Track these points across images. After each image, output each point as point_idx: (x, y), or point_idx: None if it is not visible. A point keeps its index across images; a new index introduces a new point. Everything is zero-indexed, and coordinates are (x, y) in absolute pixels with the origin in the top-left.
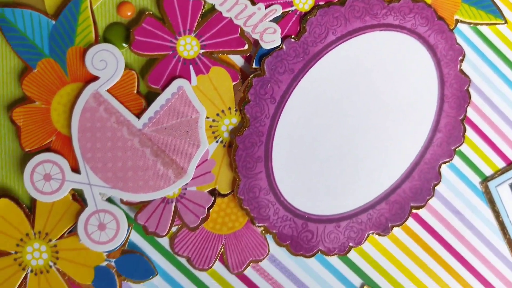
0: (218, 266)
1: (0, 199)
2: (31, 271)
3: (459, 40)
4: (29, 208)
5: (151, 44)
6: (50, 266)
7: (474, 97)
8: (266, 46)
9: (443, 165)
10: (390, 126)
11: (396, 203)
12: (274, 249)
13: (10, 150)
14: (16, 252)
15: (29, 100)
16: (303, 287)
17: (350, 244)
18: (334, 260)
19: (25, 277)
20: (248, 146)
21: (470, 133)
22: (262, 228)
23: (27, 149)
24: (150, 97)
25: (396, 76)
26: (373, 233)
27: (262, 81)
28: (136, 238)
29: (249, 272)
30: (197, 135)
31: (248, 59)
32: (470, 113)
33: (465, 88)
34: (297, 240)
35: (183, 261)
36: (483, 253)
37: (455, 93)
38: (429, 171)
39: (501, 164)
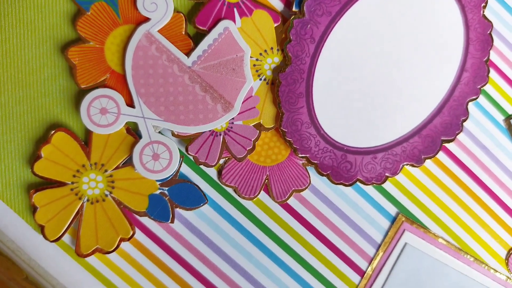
0: (263, 196)
1: (56, 133)
2: (87, 200)
3: None
4: (85, 142)
5: None
6: (106, 195)
7: (496, 41)
8: None
9: (470, 103)
10: (420, 66)
11: (428, 136)
12: (315, 180)
13: (64, 88)
14: (72, 183)
15: (83, 41)
16: (342, 215)
17: (386, 174)
18: (370, 190)
19: (82, 206)
20: (290, 83)
21: (493, 74)
22: (304, 160)
23: (83, 86)
24: (197, 39)
25: (425, 21)
26: (407, 165)
27: (302, 22)
28: (186, 170)
29: (292, 201)
30: (243, 72)
31: (287, 4)
32: (493, 56)
33: (488, 32)
34: (337, 170)
35: (230, 191)
36: (509, 186)
37: (479, 36)
38: (457, 107)
39: None
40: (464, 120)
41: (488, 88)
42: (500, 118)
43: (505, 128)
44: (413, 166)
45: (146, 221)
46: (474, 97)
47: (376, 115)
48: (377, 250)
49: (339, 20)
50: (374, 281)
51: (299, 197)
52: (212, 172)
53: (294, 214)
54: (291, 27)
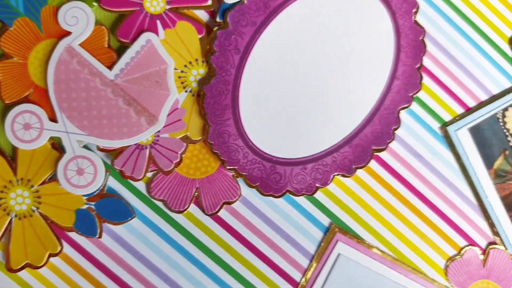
0: (193, 209)
1: None
2: (15, 215)
3: None
4: (12, 157)
5: (119, 1)
6: (33, 211)
7: (430, 47)
8: (228, 0)
9: (402, 111)
10: (350, 74)
11: (358, 146)
12: (246, 191)
13: None
14: (0, 198)
15: (7, 56)
16: (274, 227)
17: (317, 184)
18: (303, 201)
19: (10, 222)
20: (215, 94)
21: (428, 81)
22: (233, 172)
23: (7, 101)
24: (122, 51)
25: (354, 28)
26: (338, 175)
27: (226, 33)
28: (115, 184)
29: (223, 213)
30: (167, 85)
31: (212, 14)
32: (428, 62)
33: (420, 38)
34: (267, 182)
35: (160, 204)
36: (445, 194)
37: (410, 43)
38: (388, 116)
39: (460, 110)
40: (396, 129)
41: (423, 95)
42: (436, 125)
43: (441, 136)
44: (344, 176)
45: (75, 235)
46: (406, 105)
47: (306, 125)
48: (311, 261)
49: (264, 30)
50: None
51: (230, 209)
52: (141, 186)
53: (226, 226)
54: (214, 38)
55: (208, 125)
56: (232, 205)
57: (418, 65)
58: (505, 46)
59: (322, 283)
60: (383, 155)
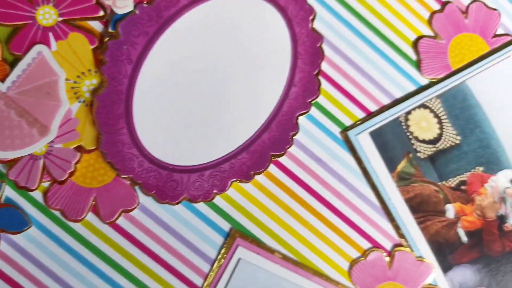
0: (91, 217)
1: None
2: None
3: (311, 1)
4: None
5: (12, 15)
6: None
7: (330, 53)
8: (119, 11)
9: (301, 117)
10: (247, 82)
11: (256, 152)
12: (145, 199)
13: None
14: None
15: None
16: (174, 233)
17: (215, 191)
18: (202, 207)
19: None
20: (108, 104)
21: (328, 87)
22: (129, 180)
23: None
24: (15, 64)
25: (250, 36)
26: (236, 181)
27: (118, 43)
28: (13, 194)
29: (122, 221)
30: (58, 96)
31: (107, 24)
32: (328, 68)
33: (318, 45)
34: (163, 189)
35: (58, 213)
36: (348, 198)
37: (308, 50)
38: (286, 122)
39: (361, 114)
40: (294, 135)
41: (323, 101)
42: (336, 130)
43: (342, 140)
44: (242, 182)
45: None
46: (304, 111)
47: (203, 132)
48: (212, 266)
49: (157, 40)
50: None
51: (129, 217)
52: (38, 195)
53: (125, 234)
54: (106, 48)
55: (101, 134)
56: (131, 213)
57: (316, 72)
58: (409, 50)
59: (223, 287)
60: (283, 160)
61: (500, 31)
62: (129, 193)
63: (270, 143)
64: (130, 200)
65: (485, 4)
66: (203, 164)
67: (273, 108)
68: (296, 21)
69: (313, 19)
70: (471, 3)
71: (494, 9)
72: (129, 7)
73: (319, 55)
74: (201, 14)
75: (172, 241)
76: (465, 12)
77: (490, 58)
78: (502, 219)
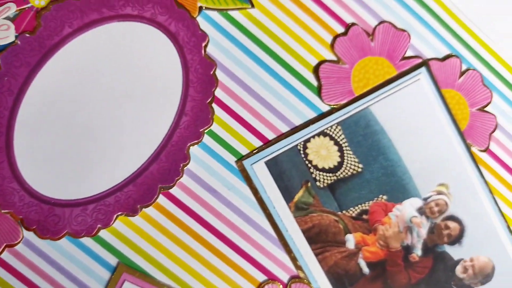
0: None
1: None
2: None
3: (207, 26)
4: None
5: None
6: None
7: (226, 80)
8: (0, 42)
9: (194, 147)
10: (135, 112)
11: (144, 184)
12: (30, 233)
13: None
14: None
15: None
16: (60, 268)
17: (99, 225)
18: (88, 241)
19: None
20: None
21: (223, 115)
22: (9, 215)
23: None
24: None
25: (138, 64)
26: (121, 214)
27: None
28: None
29: (6, 256)
30: None
31: None
32: (223, 96)
33: (211, 72)
34: (44, 224)
35: None
36: (243, 229)
37: (200, 77)
38: (177, 152)
39: (257, 143)
40: (185, 165)
41: (218, 129)
42: (232, 159)
43: (237, 170)
44: (128, 215)
45: None
46: (196, 141)
47: (87, 165)
48: None
49: (40, 69)
50: None
51: (14, 252)
52: None
53: (9, 269)
54: None
55: None
56: (15, 247)
57: (209, 100)
58: (309, 75)
59: None
60: (174, 191)
61: (409, 53)
62: (12, 227)
63: (158, 174)
64: (13, 234)
65: (393, 25)
66: (87, 197)
67: (163, 139)
68: (187, 47)
69: (206, 45)
70: (378, 24)
71: (403, 30)
72: (11, 38)
73: (212, 82)
74: (87, 42)
75: (57, 277)
76: (372, 34)
77: (397, 82)
78: (407, 249)
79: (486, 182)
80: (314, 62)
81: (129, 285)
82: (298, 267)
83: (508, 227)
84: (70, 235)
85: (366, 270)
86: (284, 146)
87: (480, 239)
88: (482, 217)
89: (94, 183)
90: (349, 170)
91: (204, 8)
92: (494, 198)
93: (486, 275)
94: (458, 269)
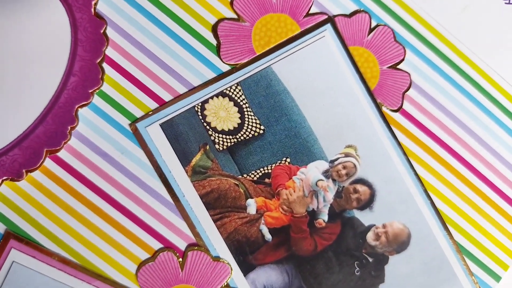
0: None
1: None
2: None
3: None
4: None
5: None
6: None
7: (119, 39)
8: None
9: (84, 108)
10: (19, 73)
11: (29, 148)
12: None
13: None
14: None
15: None
16: None
17: None
18: None
19: None
20: None
21: (116, 76)
22: None
23: None
24: None
25: (25, 23)
26: (7, 179)
27: None
28: None
29: None
30: None
31: None
32: (116, 56)
33: (102, 30)
34: None
35: None
36: (137, 195)
37: (90, 36)
38: (64, 114)
39: (153, 105)
40: (73, 128)
41: (110, 90)
42: (125, 122)
43: (131, 133)
44: (14, 180)
45: None
46: (84, 102)
47: None
48: None
49: None
50: None
51: None
52: None
53: None
54: None
55: None
56: None
57: (99, 60)
58: (208, 34)
59: None
60: (62, 155)
61: (314, 9)
62: None
63: (45, 137)
64: None
65: None
66: None
67: (49, 100)
68: (76, 6)
69: (96, 3)
70: None
71: None
72: None
73: (103, 41)
74: None
75: None
76: None
77: (300, 40)
78: (313, 214)
79: (399, 143)
80: (213, 20)
81: (17, 253)
82: (196, 234)
83: (426, 191)
84: None
85: (268, 236)
86: (181, 108)
87: (393, 204)
88: (395, 180)
89: None
90: (250, 132)
91: None
92: (409, 161)
93: (401, 243)
94: (370, 236)
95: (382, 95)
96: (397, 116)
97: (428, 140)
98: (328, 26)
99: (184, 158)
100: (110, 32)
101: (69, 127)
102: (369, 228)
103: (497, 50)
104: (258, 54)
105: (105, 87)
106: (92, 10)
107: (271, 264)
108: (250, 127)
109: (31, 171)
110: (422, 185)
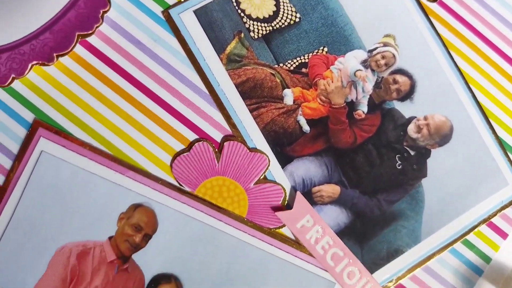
0: None
1: None
2: None
3: None
4: None
5: None
6: None
7: None
8: None
9: None
10: None
11: (60, 32)
12: None
13: None
14: None
15: None
16: None
17: (12, 75)
18: (3, 96)
19: None
20: None
21: None
22: None
23: None
24: None
25: None
26: (37, 64)
27: None
28: None
29: None
30: None
31: None
32: None
33: None
34: None
35: None
36: (170, 83)
37: None
38: None
39: None
40: (105, 12)
41: None
42: (158, 9)
43: (163, 20)
44: (44, 64)
45: None
46: None
47: (1, 13)
48: (14, 161)
49: None
50: (10, 194)
51: None
52: None
53: None
54: None
55: None
56: None
57: None
58: None
59: (25, 183)
60: (94, 41)
61: None
62: None
63: (77, 21)
64: None
65: None
66: (0, 46)
67: None
68: None
69: None
70: None
71: None
72: None
73: None
74: None
75: None
76: None
77: None
78: (352, 105)
79: (438, 34)
80: None
81: (46, 142)
82: (232, 125)
83: (467, 83)
84: None
85: (306, 128)
86: None
87: (434, 96)
88: (435, 72)
89: (8, 31)
90: (285, 20)
91: None
92: (449, 52)
93: (444, 135)
94: (411, 128)
95: None
96: (435, 7)
97: (467, 32)
98: None
99: (218, 45)
100: None
101: (101, 11)
102: (410, 120)
103: None
104: None
105: None
106: None
107: (310, 156)
108: (285, 14)
109: (62, 55)
110: (463, 77)
